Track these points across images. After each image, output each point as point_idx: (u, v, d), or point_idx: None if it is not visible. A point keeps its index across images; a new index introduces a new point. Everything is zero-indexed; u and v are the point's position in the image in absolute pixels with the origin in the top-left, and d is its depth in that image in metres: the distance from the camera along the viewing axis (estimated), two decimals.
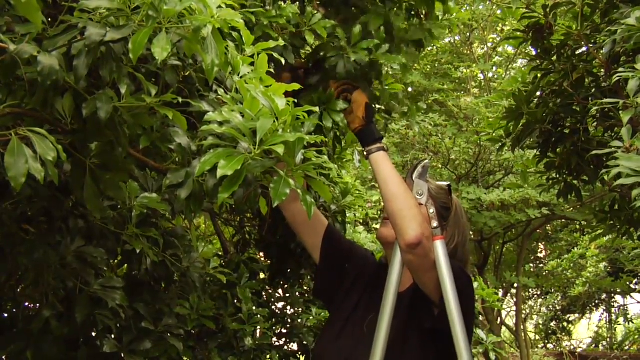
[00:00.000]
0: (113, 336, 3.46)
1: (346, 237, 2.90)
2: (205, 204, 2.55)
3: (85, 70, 1.96)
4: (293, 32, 3.05)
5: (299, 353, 5.86)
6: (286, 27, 2.99)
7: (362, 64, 2.94)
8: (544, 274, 17.39)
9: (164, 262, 3.51)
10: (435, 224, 2.38)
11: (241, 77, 2.48)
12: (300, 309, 5.77)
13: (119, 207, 3.15)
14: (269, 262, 5.57)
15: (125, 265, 3.65)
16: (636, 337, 19.85)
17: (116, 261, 3.90)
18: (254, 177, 2.19)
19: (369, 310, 2.57)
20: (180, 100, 2.25)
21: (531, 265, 18.37)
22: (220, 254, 5.17)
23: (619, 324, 21.55)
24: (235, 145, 2.17)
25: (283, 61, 2.76)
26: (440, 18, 3.82)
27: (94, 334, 3.41)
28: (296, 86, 2.42)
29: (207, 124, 2.16)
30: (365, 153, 2.52)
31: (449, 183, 2.63)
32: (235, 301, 4.55)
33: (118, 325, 3.50)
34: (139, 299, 3.61)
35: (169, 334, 3.67)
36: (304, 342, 5.61)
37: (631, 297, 20.48)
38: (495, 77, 14.70)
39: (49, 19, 2.09)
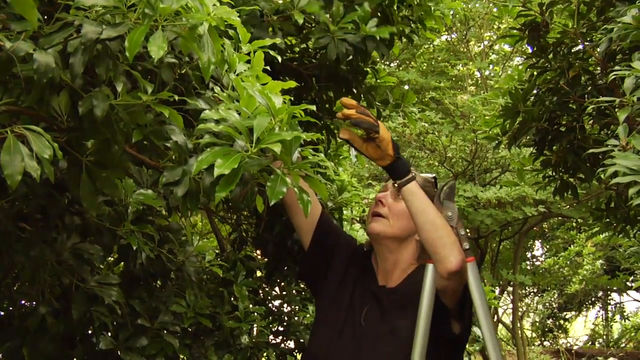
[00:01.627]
0: (109, 333, 3.46)
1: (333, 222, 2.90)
2: (201, 201, 2.56)
3: (81, 67, 1.96)
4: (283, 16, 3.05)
5: (296, 351, 5.86)
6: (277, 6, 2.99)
7: (353, 44, 2.94)
8: (541, 271, 17.42)
9: (160, 257, 3.51)
10: (466, 245, 2.38)
11: (237, 75, 2.48)
12: (297, 307, 5.77)
13: (115, 203, 3.15)
14: (265, 259, 5.57)
15: (122, 262, 3.65)
16: (632, 334, 19.89)
17: (112, 258, 3.91)
18: (250, 176, 2.19)
19: (364, 302, 2.58)
20: (177, 98, 2.25)
21: (527, 262, 18.40)
22: (217, 251, 5.16)
23: (615, 322, 21.60)
24: (232, 144, 2.17)
25: (279, 59, 2.76)
26: (432, 9, 3.85)
27: (90, 331, 3.41)
28: (292, 84, 2.42)
29: (204, 122, 2.16)
30: (396, 185, 2.49)
31: (434, 175, 2.64)
32: (232, 299, 4.54)
33: (114, 322, 3.50)
34: (135, 296, 3.61)
35: (165, 331, 3.67)
36: (301, 340, 5.61)
37: (627, 294, 20.52)
38: (492, 75, 14.70)
39: (45, 17, 2.08)
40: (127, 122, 2.23)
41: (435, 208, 2.37)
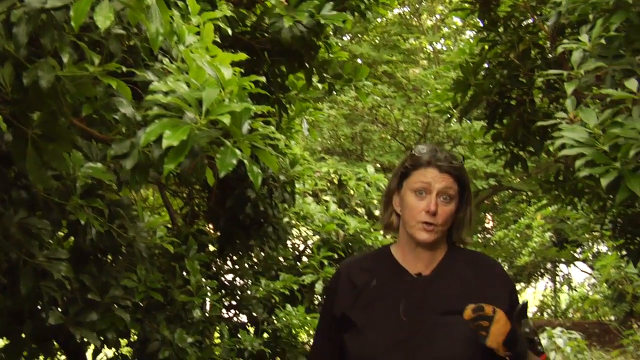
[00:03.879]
0: (59, 309, 3.42)
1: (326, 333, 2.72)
2: (151, 174, 2.53)
3: (25, 38, 1.92)
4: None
5: (249, 324, 5.87)
6: None
7: (308, 27, 2.92)
8: (491, 244, 17.64)
9: (110, 232, 3.47)
10: (540, 348, 2.42)
11: (187, 47, 2.45)
12: (250, 281, 5.77)
13: (63, 177, 3.09)
14: (218, 234, 5.55)
15: (72, 237, 3.60)
16: (579, 304, 20.27)
17: (62, 233, 3.85)
18: (200, 148, 2.16)
19: (396, 299, 2.49)
20: (125, 69, 2.21)
21: (479, 235, 18.61)
22: (168, 226, 5.13)
23: (563, 293, 21.99)
24: (181, 116, 2.15)
25: (229, 31, 2.73)
26: None
27: (39, 307, 3.37)
28: (243, 56, 2.40)
29: (152, 94, 2.13)
30: None
31: (462, 155, 2.59)
32: (184, 273, 4.52)
33: (64, 297, 3.46)
34: (85, 271, 3.57)
35: (115, 306, 3.64)
36: (254, 314, 5.62)
37: (575, 266, 20.89)
38: (444, 48, 14.76)
39: None
40: (74, 94, 2.19)
41: (534, 357, 2.38)
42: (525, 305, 2.40)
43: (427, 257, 2.45)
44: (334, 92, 5.02)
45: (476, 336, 2.20)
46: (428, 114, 12.01)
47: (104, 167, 3.07)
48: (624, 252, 5.32)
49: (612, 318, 15.93)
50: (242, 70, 2.38)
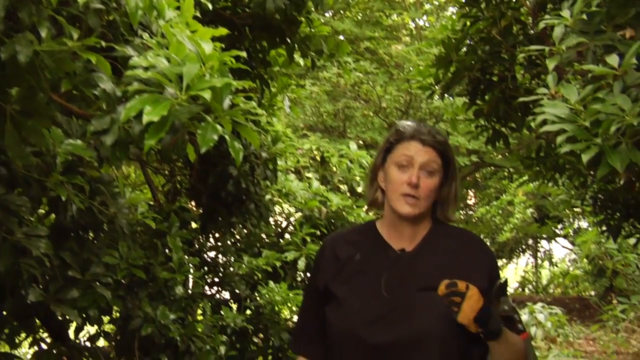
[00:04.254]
0: (40, 286, 3.40)
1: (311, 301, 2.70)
2: (132, 151, 2.51)
3: (2, 12, 1.90)
4: None
5: (231, 301, 5.88)
6: None
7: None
8: (474, 220, 17.72)
9: (91, 209, 3.45)
10: (520, 326, 2.42)
11: (167, 22, 2.43)
12: (232, 258, 5.77)
13: (43, 154, 3.06)
14: (200, 211, 5.54)
15: (53, 215, 3.58)
16: (560, 280, 20.46)
17: (44, 211, 3.83)
18: (180, 123, 2.15)
19: (378, 274, 2.48)
20: (104, 44, 2.19)
21: (461, 212, 18.70)
22: (150, 203, 5.11)
23: (544, 268, 22.18)
24: (161, 91, 2.13)
25: (210, 6, 2.71)
26: None
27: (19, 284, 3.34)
28: (223, 31, 2.38)
29: (132, 69, 2.11)
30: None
31: (446, 131, 2.60)
32: (166, 250, 4.51)
33: (44, 274, 3.44)
34: (66, 248, 3.55)
35: (97, 283, 3.63)
36: (236, 291, 5.63)
37: (556, 241, 21.05)
38: (426, 25, 14.73)
39: None
40: (52, 69, 2.17)
41: (512, 335, 2.38)
42: (504, 283, 2.40)
43: (411, 232, 2.46)
44: (316, 69, 5.00)
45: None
46: (410, 90, 12.01)
47: (84, 144, 3.05)
48: (604, 228, 5.36)
49: (592, 293, 16.10)
50: (223, 46, 2.37)
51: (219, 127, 2.10)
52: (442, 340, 2.27)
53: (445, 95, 5.10)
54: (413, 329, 2.28)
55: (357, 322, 2.34)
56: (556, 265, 21.85)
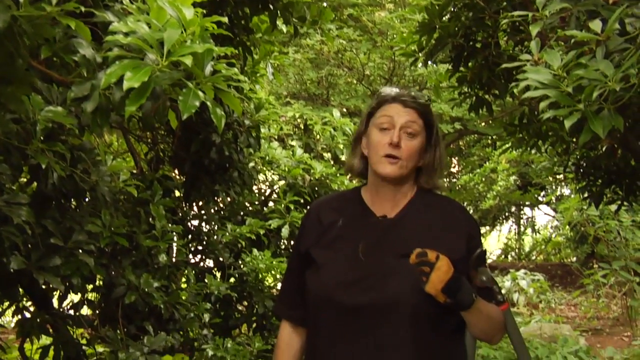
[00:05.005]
0: (22, 254, 3.38)
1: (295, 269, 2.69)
2: (114, 118, 2.49)
3: None
4: None
5: (215, 269, 5.89)
6: None
7: None
8: (457, 188, 17.80)
9: (72, 177, 3.43)
10: (500, 297, 2.42)
11: None
12: (216, 226, 5.77)
13: (23, 121, 3.03)
14: (183, 179, 5.53)
15: (35, 183, 3.56)
16: (542, 247, 20.64)
17: (25, 179, 3.81)
18: (162, 90, 2.14)
19: (358, 240, 2.48)
20: (83, 9, 2.16)
21: (445, 180, 18.76)
22: (133, 171, 5.09)
23: (527, 235, 22.36)
24: (142, 57, 2.11)
25: None
26: None
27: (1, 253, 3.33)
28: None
29: (112, 35, 2.09)
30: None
31: (428, 96, 2.59)
32: (150, 219, 4.50)
33: (28, 244, 3.43)
34: (48, 216, 3.54)
35: (79, 251, 3.62)
36: (220, 259, 5.63)
37: (538, 209, 21.21)
38: None
39: None
40: (31, 34, 2.14)
41: (488, 306, 2.37)
42: (482, 253, 2.41)
43: (393, 198, 2.46)
44: (299, 36, 4.97)
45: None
46: (394, 57, 11.98)
47: (64, 111, 3.01)
48: (586, 195, 5.38)
49: (574, 260, 16.25)
50: (205, 12, 2.34)
51: (200, 93, 2.09)
52: (414, 307, 2.28)
53: (429, 62, 5.08)
54: (386, 294, 2.30)
55: (333, 285, 2.36)
56: (538, 232, 22.03)
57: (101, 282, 4.36)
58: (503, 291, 12.13)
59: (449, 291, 2.20)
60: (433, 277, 2.19)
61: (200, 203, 5.80)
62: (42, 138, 3.11)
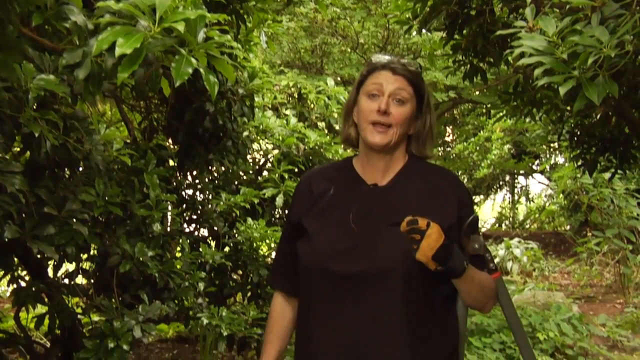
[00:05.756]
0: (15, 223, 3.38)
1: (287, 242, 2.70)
2: (107, 87, 2.48)
3: None
4: None
5: (210, 238, 5.89)
6: None
7: None
8: (451, 157, 17.81)
9: (65, 145, 3.42)
10: (492, 265, 2.41)
11: None
12: (210, 195, 5.76)
13: (15, 89, 3.00)
14: (177, 148, 5.52)
15: (28, 152, 3.54)
16: (536, 215, 20.72)
17: (18, 148, 3.79)
18: (154, 56, 2.12)
19: (349, 208, 2.48)
20: None
21: (439, 149, 18.78)
22: (127, 141, 5.07)
23: (521, 204, 22.45)
24: (134, 23, 2.09)
25: None
26: None
27: None
28: None
29: (104, 1, 2.07)
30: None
31: (420, 64, 2.57)
32: (144, 189, 4.49)
33: (22, 214, 3.42)
34: (41, 185, 3.53)
35: (73, 220, 3.61)
36: (215, 228, 5.63)
37: (532, 177, 21.27)
38: None
39: None
40: (22, 2, 2.12)
41: (480, 274, 2.37)
42: (474, 220, 2.41)
43: (384, 166, 2.46)
44: (293, 4, 4.93)
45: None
46: (388, 25, 11.92)
47: (56, 79, 2.99)
48: (580, 163, 5.39)
49: (568, 228, 16.33)
50: None
51: (193, 60, 2.07)
52: (406, 275, 2.28)
53: (423, 30, 5.05)
54: (378, 262, 2.30)
55: (324, 254, 2.36)
56: (532, 201, 22.13)
57: (95, 251, 4.36)
58: (497, 260, 12.24)
59: (440, 259, 2.20)
60: (423, 245, 2.18)
61: (195, 172, 5.79)
62: (34, 106, 3.09)
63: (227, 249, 5.71)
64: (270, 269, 2.72)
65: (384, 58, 2.44)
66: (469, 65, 5.06)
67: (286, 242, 2.58)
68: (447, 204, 2.42)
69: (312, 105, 7.35)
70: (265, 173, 6.58)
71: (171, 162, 5.43)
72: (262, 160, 6.97)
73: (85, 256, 4.37)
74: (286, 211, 6.00)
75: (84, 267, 4.60)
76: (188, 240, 5.23)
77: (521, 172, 20.04)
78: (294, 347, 2.52)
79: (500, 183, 21.41)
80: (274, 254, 5.44)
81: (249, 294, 5.76)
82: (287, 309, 2.60)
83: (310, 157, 6.41)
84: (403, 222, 2.19)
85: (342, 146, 6.52)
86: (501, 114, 5.67)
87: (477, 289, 2.38)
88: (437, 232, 2.20)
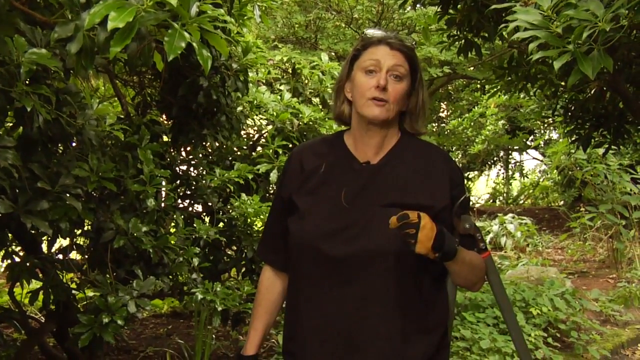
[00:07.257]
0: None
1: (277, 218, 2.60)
2: (100, 62, 2.46)
3: None
4: None
5: (204, 214, 5.89)
6: None
7: None
8: (446, 133, 17.81)
9: (58, 120, 3.40)
10: (482, 245, 2.41)
11: None
12: (204, 170, 5.76)
13: (7, 63, 2.98)
14: (170, 123, 5.50)
15: (21, 127, 3.52)
16: (530, 191, 20.77)
17: (11, 124, 3.77)
18: (147, 30, 2.10)
19: (340, 187, 2.47)
20: None
21: (433, 124, 18.77)
22: (121, 116, 5.05)
23: (515, 180, 22.50)
24: None
25: None
26: None
27: None
28: None
29: None
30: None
31: (414, 39, 2.56)
32: (138, 164, 4.48)
33: (15, 188, 3.41)
34: (34, 160, 3.51)
35: (67, 195, 3.60)
36: (209, 203, 5.63)
37: (527, 153, 21.30)
38: None
39: None
40: None
41: (470, 254, 2.36)
42: (465, 201, 2.41)
43: (377, 143, 2.44)
44: None
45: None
46: (383, 0, 11.87)
47: (48, 53, 2.96)
48: (574, 138, 5.40)
49: (562, 203, 16.38)
50: None
51: (186, 34, 2.06)
52: (398, 256, 2.28)
53: (418, 4, 5.04)
54: (370, 243, 2.30)
55: (316, 234, 2.35)
56: (527, 177, 22.18)
57: (89, 227, 4.35)
58: (491, 235, 12.28)
59: (438, 246, 2.20)
60: (421, 237, 2.16)
61: (188, 148, 5.77)
62: (26, 81, 3.07)
63: (221, 224, 5.71)
64: (259, 242, 2.70)
65: (379, 32, 2.42)
66: (463, 40, 5.05)
67: (276, 216, 2.57)
68: (439, 183, 2.41)
69: (306, 81, 7.32)
70: (259, 148, 6.57)
71: (165, 138, 5.41)
72: (256, 135, 6.96)
73: (79, 231, 4.37)
74: None
75: (78, 242, 4.60)
76: (182, 216, 5.22)
77: (515, 147, 20.06)
78: (284, 322, 2.53)
79: (495, 159, 21.44)
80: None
81: (243, 269, 5.77)
82: (276, 283, 2.60)
83: (305, 133, 6.39)
84: (392, 219, 2.16)
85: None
86: (495, 89, 5.66)
87: (467, 269, 2.38)
88: (429, 222, 2.19)
